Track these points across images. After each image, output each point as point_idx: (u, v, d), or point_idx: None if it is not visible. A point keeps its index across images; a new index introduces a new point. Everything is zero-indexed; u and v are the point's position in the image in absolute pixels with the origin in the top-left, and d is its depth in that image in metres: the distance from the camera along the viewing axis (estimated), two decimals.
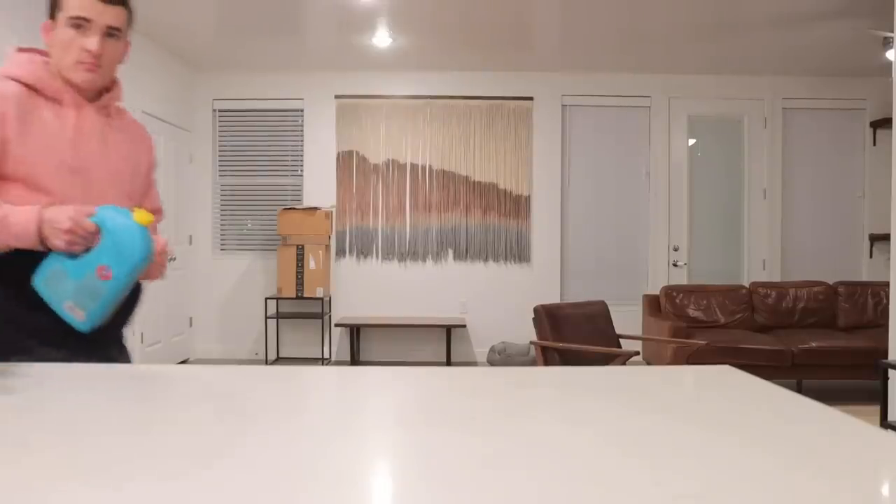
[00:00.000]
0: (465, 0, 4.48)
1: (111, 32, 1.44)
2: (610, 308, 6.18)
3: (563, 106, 6.27)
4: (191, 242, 6.18)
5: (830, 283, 5.73)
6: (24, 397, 0.93)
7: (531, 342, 3.91)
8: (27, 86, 1.44)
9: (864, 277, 6.32)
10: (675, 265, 6.34)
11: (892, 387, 3.32)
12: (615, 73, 6.24)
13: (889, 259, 6.09)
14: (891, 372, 3.25)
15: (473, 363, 6.18)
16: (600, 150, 6.33)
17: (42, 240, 1.32)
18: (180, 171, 5.95)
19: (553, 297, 6.22)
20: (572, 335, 3.89)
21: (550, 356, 3.79)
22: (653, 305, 5.64)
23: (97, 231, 1.32)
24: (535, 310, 3.89)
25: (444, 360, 6.11)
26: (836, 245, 6.40)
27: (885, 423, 3.18)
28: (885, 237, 6.22)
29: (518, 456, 0.67)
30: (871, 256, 6.36)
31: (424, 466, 0.64)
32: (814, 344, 4.95)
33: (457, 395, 0.92)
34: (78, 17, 1.41)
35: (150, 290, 5.29)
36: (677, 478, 0.61)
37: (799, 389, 5.22)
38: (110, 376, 1.08)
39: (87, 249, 1.33)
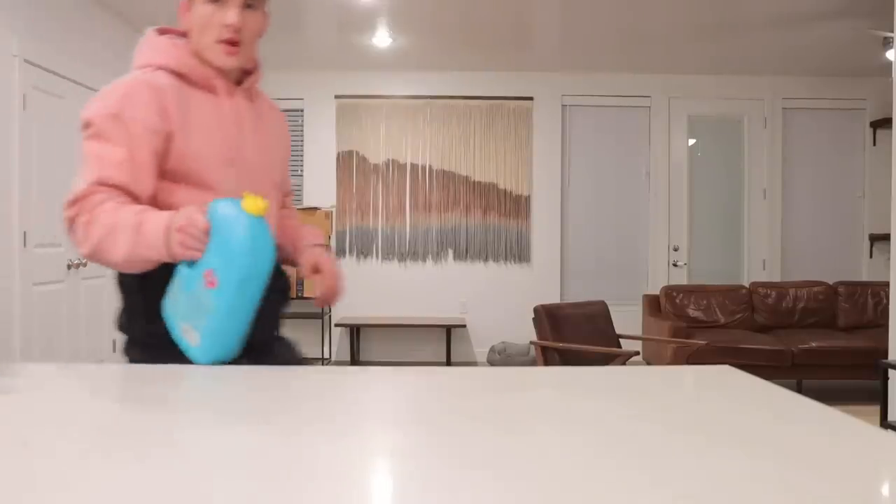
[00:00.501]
0: (465, 0, 4.48)
1: (249, 3, 1.32)
2: (610, 308, 6.16)
3: (564, 106, 6.27)
4: None
5: (830, 283, 5.74)
6: (25, 397, 0.93)
7: (531, 342, 3.92)
8: (177, 74, 1.33)
9: (864, 277, 6.33)
10: (675, 265, 6.34)
11: (892, 387, 3.33)
12: (615, 73, 6.24)
13: (889, 259, 6.09)
14: (891, 372, 3.25)
15: (473, 363, 6.19)
16: (600, 150, 6.33)
17: (167, 248, 1.14)
18: None
19: (553, 297, 6.23)
20: (572, 335, 3.89)
21: (550, 356, 3.79)
22: (653, 305, 5.64)
23: (208, 228, 1.11)
24: (535, 310, 3.89)
25: (444, 360, 6.11)
26: (836, 245, 6.41)
27: (885, 423, 3.18)
28: (885, 237, 6.22)
29: (518, 456, 0.67)
30: (870, 256, 6.36)
31: (424, 466, 0.64)
32: (814, 344, 4.95)
33: (457, 396, 0.92)
34: None
35: None
36: (677, 478, 0.61)
37: (799, 389, 5.22)
38: (111, 376, 1.08)
39: None
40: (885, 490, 0.62)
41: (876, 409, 3.42)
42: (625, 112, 6.33)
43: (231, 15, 1.30)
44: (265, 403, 0.87)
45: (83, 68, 4.34)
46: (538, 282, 6.23)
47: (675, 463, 0.65)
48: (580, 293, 6.29)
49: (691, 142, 6.41)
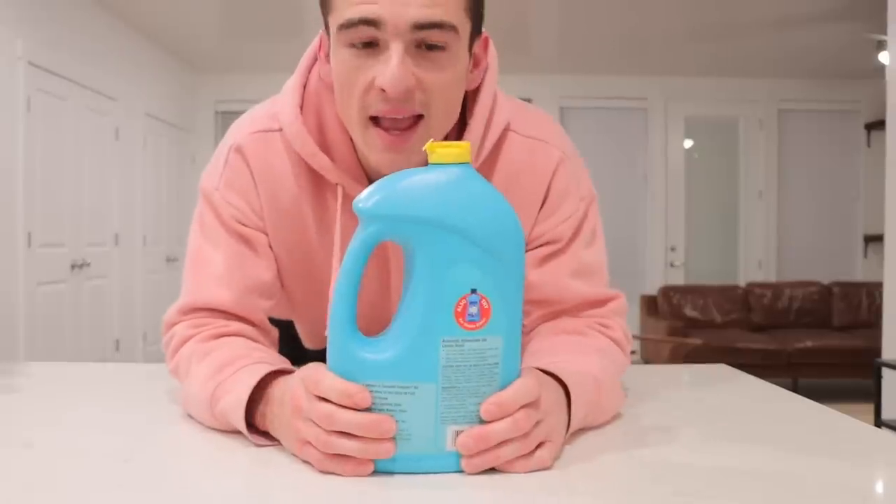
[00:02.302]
0: None
1: (429, 42, 0.70)
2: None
3: (561, 108, 6.29)
4: None
5: (825, 283, 5.76)
6: (28, 396, 0.92)
7: None
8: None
9: (859, 278, 6.35)
10: (672, 265, 6.36)
11: (886, 386, 3.36)
12: (613, 75, 6.25)
13: (883, 259, 6.12)
14: (884, 371, 3.28)
15: None
16: (598, 152, 6.34)
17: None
18: (182, 172, 5.96)
19: None
20: None
21: None
22: (650, 305, 5.66)
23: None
24: None
25: None
26: (831, 245, 6.43)
27: (878, 421, 3.21)
28: (880, 238, 6.24)
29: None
30: (865, 257, 6.39)
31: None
32: (809, 343, 4.97)
33: None
34: (360, 21, 0.70)
35: (151, 289, 5.31)
36: (675, 476, 0.61)
37: (794, 388, 5.25)
38: (113, 376, 1.07)
39: None
40: (879, 488, 0.63)
41: (870, 407, 3.45)
42: (622, 114, 6.34)
43: (389, 69, 0.69)
44: None
45: (87, 70, 4.35)
46: None
47: (672, 461, 0.65)
48: None
49: (688, 143, 6.43)
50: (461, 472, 0.60)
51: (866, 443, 0.74)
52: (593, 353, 0.79)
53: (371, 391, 0.58)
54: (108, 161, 4.66)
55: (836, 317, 5.56)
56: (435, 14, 0.68)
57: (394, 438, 0.58)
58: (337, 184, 0.81)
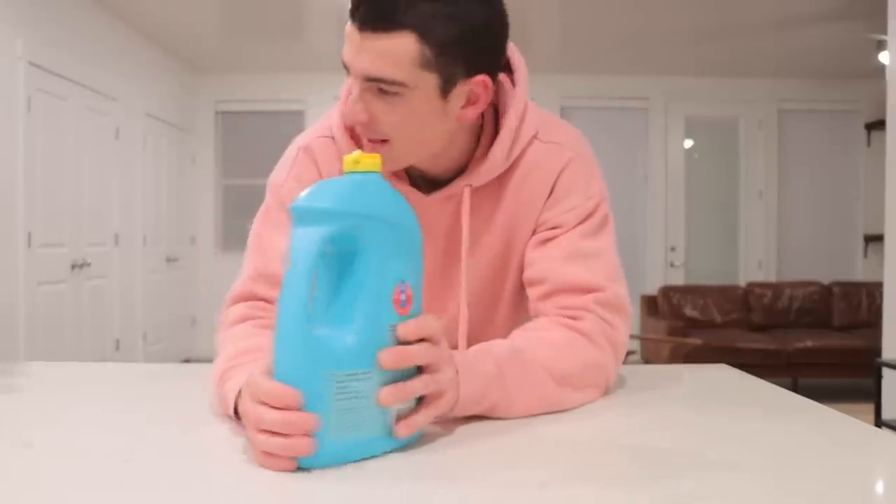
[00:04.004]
0: None
1: (380, 87, 0.82)
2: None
3: (562, 108, 6.29)
4: (193, 242, 6.20)
5: (825, 283, 5.77)
6: (28, 396, 0.92)
7: None
8: None
9: (859, 277, 6.35)
10: (672, 265, 6.36)
11: (886, 385, 3.36)
12: (614, 75, 6.26)
13: (883, 259, 6.12)
14: (885, 370, 3.29)
15: None
16: (599, 152, 6.18)
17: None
18: (182, 172, 5.97)
19: None
20: None
21: None
22: (650, 305, 5.67)
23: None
24: None
25: None
26: (831, 245, 6.43)
27: (878, 421, 3.21)
28: (880, 238, 6.24)
29: (517, 454, 0.68)
30: (865, 256, 6.39)
31: (423, 465, 0.64)
32: (809, 343, 4.98)
33: None
34: (342, 63, 0.85)
35: (151, 289, 5.31)
36: (673, 476, 0.61)
37: (794, 388, 5.25)
38: (113, 376, 1.07)
39: None
40: (879, 488, 0.63)
41: (870, 407, 3.45)
42: (623, 113, 6.35)
43: (350, 103, 0.85)
44: None
45: (87, 70, 4.35)
46: None
47: (672, 460, 0.65)
48: None
49: (688, 143, 6.44)
50: (403, 449, 0.65)
51: (866, 443, 0.74)
52: (540, 343, 0.85)
53: (335, 382, 0.61)
54: (109, 161, 4.67)
55: (837, 317, 5.57)
56: (380, 70, 0.80)
57: (314, 436, 0.60)
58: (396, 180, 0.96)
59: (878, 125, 6.21)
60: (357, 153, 0.66)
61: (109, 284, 4.66)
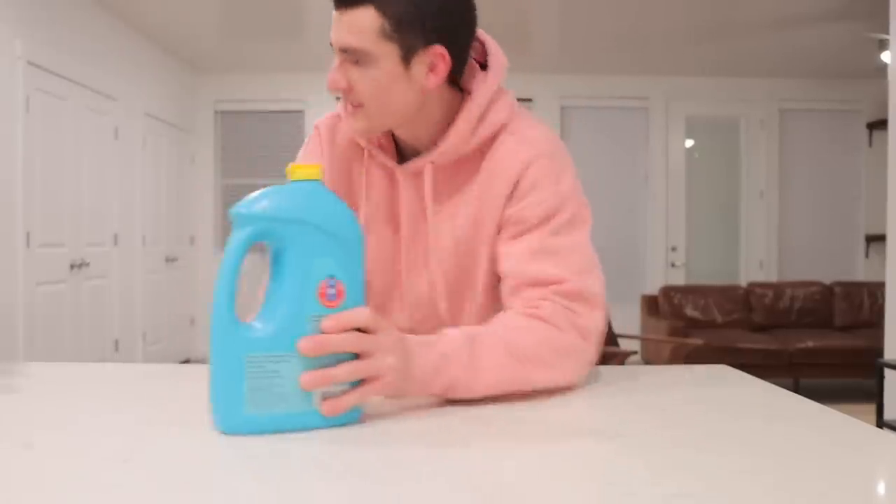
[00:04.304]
0: None
1: (355, 58, 0.96)
2: (608, 307, 6.20)
3: (562, 107, 6.29)
4: (192, 242, 6.20)
5: (827, 283, 5.77)
6: (27, 397, 0.92)
7: None
8: None
9: (861, 277, 6.35)
10: (672, 265, 6.37)
11: (888, 386, 3.35)
12: (614, 74, 6.26)
13: (885, 259, 6.13)
14: (887, 371, 3.28)
15: None
16: (599, 152, 6.35)
17: None
18: (182, 172, 5.97)
19: None
20: None
21: None
22: (651, 305, 5.67)
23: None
24: None
25: None
26: (832, 245, 6.43)
27: (880, 421, 3.21)
28: (882, 237, 6.25)
29: (515, 455, 0.68)
30: (867, 256, 6.39)
31: (423, 464, 0.64)
32: (810, 343, 4.98)
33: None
34: (331, 41, 0.99)
35: (151, 289, 5.31)
36: (673, 477, 0.61)
37: (795, 389, 5.25)
38: (112, 376, 1.07)
39: None
40: (881, 489, 0.63)
41: (872, 407, 3.44)
42: (623, 113, 6.35)
43: (331, 72, 1.00)
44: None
45: (86, 70, 4.35)
46: None
47: (672, 461, 0.65)
48: None
49: (689, 143, 6.44)
50: (329, 426, 0.73)
51: (868, 443, 0.73)
52: (496, 325, 0.91)
53: (249, 362, 0.70)
54: (108, 161, 4.67)
55: (838, 317, 5.57)
56: (349, 41, 0.95)
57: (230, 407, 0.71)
58: (365, 148, 1.09)
59: (879, 125, 6.21)
60: (293, 165, 0.76)
61: (109, 284, 4.66)
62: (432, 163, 1.03)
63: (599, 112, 6.33)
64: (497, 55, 1.06)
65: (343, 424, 0.74)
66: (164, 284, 5.55)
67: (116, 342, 4.76)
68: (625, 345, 5.88)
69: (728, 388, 1.01)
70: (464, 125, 1.01)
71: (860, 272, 6.39)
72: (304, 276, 0.73)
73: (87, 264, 4.35)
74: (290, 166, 0.76)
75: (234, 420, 0.71)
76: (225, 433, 0.71)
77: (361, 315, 0.74)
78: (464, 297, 1.09)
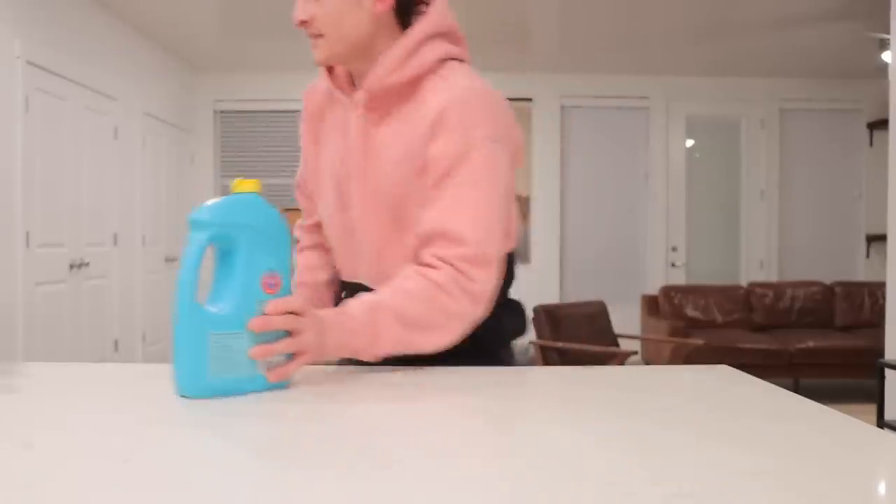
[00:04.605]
0: (465, 0, 4.50)
1: None
2: (609, 308, 6.19)
3: (563, 107, 6.29)
4: None
5: (827, 283, 5.76)
6: (26, 397, 0.92)
7: (530, 342, 3.94)
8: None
9: (861, 277, 6.35)
10: (673, 265, 6.36)
11: (889, 386, 3.35)
12: (614, 74, 6.26)
13: (886, 259, 6.12)
14: (887, 371, 3.28)
15: None
16: (599, 151, 6.35)
17: None
18: (181, 172, 5.97)
19: (552, 297, 6.24)
20: (571, 335, 3.92)
21: (550, 356, 3.81)
22: (651, 305, 5.66)
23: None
24: (535, 310, 3.91)
25: None
26: (833, 245, 6.43)
27: (881, 422, 3.21)
28: (882, 237, 6.25)
29: (517, 455, 0.68)
30: (867, 256, 6.39)
31: (422, 465, 0.65)
32: (811, 343, 4.97)
33: (456, 395, 0.94)
34: None
35: (150, 289, 5.31)
36: (674, 477, 0.61)
37: (796, 389, 5.25)
38: (112, 376, 1.07)
39: None
40: (882, 489, 0.62)
41: (872, 408, 3.44)
42: (623, 113, 6.35)
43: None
44: (269, 402, 0.87)
45: (86, 70, 4.35)
46: (538, 282, 6.25)
47: (673, 461, 0.65)
48: (579, 293, 6.31)
49: (689, 143, 6.44)
50: (272, 389, 0.91)
51: (869, 444, 0.73)
52: (395, 293, 1.03)
53: (211, 338, 0.88)
54: (107, 161, 4.67)
55: (839, 317, 5.57)
56: None
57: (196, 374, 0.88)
58: (335, 89, 1.20)
59: (880, 124, 6.21)
60: (237, 181, 0.93)
61: (108, 284, 4.66)
62: (367, 91, 1.11)
63: (599, 112, 6.33)
64: (438, 3, 1.14)
65: (284, 387, 0.93)
66: (164, 284, 5.55)
67: (116, 342, 4.76)
68: (625, 345, 5.87)
69: (728, 388, 1.01)
70: (392, 55, 1.09)
71: (861, 272, 6.39)
72: (250, 270, 0.91)
73: (87, 264, 4.35)
74: (235, 181, 0.93)
75: (199, 385, 0.87)
76: (189, 397, 0.87)
77: (295, 301, 0.93)
78: (398, 232, 1.14)
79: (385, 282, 1.07)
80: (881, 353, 3.68)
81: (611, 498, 0.57)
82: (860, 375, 4.84)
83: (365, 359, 1.02)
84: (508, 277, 1.19)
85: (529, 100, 6.21)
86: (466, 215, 1.04)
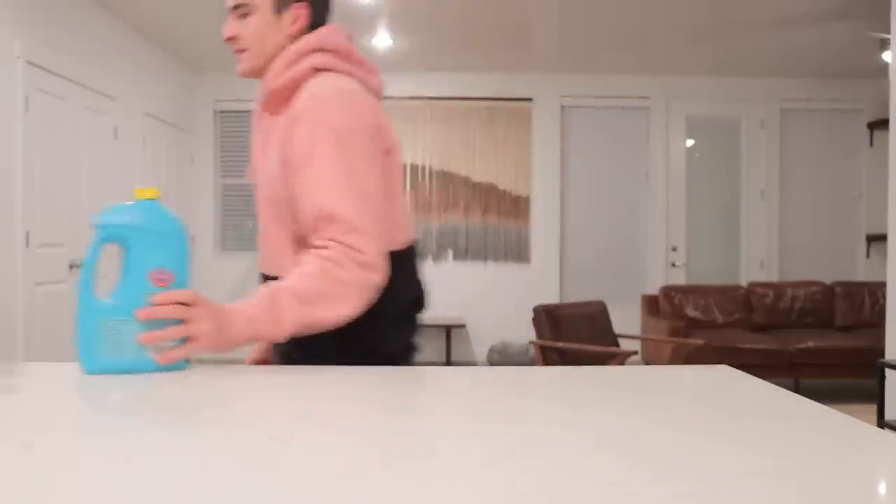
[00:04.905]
0: (465, 1, 4.50)
1: (240, 12, 1.27)
2: (609, 308, 6.21)
3: (563, 107, 6.29)
4: (192, 242, 6.20)
5: (828, 283, 5.76)
6: (26, 397, 0.92)
7: (531, 342, 3.94)
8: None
9: (862, 277, 6.35)
10: (673, 265, 6.36)
11: (889, 386, 3.35)
12: (614, 74, 6.26)
13: (886, 259, 6.10)
14: (888, 371, 3.28)
15: (473, 363, 6.20)
16: (599, 151, 6.35)
17: None
18: (181, 172, 5.97)
19: (552, 297, 6.25)
20: (571, 335, 3.91)
21: (550, 356, 3.81)
22: (651, 305, 5.66)
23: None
24: (535, 310, 3.91)
25: (444, 359, 6.13)
26: (833, 245, 6.43)
27: (881, 422, 3.21)
28: (883, 237, 6.25)
29: (516, 455, 0.68)
30: (868, 256, 6.39)
31: (422, 465, 0.65)
32: (811, 344, 4.97)
33: (456, 395, 0.94)
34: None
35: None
36: (674, 477, 0.61)
37: (796, 389, 5.25)
38: (111, 376, 1.06)
39: None
40: (882, 489, 0.62)
41: (872, 408, 3.44)
42: (624, 113, 6.35)
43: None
44: (269, 402, 0.88)
45: (86, 70, 4.35)
46: (538, 282, 6.25)
47: (673, 461, 0.65)
48: (579, 293, 6.31)
49: (690, 143, 6.43)
50: (163, 371, 1.04)
51: (869, 444, 0.73)
52: (293, 277, 1.12)
53: (102, 324, 1.02)
54: (107, 161, 4.67)
55: (839, 317, 5.56)
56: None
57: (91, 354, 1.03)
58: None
59: (880, 124, 6.21)
60: (138, 189, 1.06)
61: (108, 285, 4.66)
62: (261, 94, 1.27)
63: (600, 112, 6.33)
64: (330, 26, 1.31)
65: (179, 369, 1.06)
66: None
67: None
68: (625, 345, 5.88)
69: (728, 388, 1.01)
70: (277, 63, 1.24)
71: (861, 272, 6.39)
72: (142, 266, 1.04)
73: None
74: (136, 189, 1.06)
75: (95, 364, 1.03)
76: (87, 373, 1.02)
77: (182, 293, 1.03)
78: (276, 219, 1.25)
79: (286, 273, 1.18)
80: (881, 353, 3.68)
81: (611, 498, 0.57)
82: (860, 375, 4.84)
83: (269, 341, 1.13)
84: (408, 273, 1.29)
85: (529, 100, 6.21)
86: (331, 195, 1.14)
